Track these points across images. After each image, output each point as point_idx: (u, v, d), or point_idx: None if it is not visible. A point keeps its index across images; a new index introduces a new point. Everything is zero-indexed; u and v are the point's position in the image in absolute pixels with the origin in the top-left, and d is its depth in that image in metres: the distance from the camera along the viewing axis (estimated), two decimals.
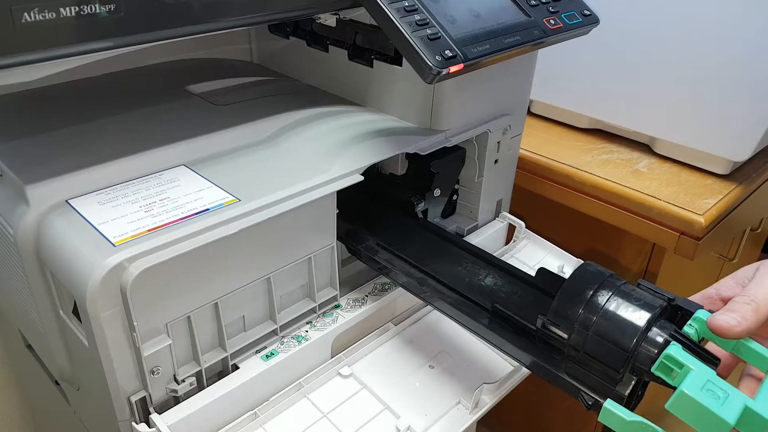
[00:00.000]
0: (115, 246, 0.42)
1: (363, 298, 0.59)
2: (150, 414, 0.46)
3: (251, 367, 0.50)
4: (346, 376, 0.55)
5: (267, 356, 0.52)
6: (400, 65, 0.61)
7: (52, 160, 0.52)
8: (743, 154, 0.75)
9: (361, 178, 0.53)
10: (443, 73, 0.48)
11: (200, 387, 0.48)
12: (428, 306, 0.62)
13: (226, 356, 0.50)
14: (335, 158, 0.54)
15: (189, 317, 0.46)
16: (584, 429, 0.97)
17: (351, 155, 0.55)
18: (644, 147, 0.85)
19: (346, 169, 0.53)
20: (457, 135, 0.62)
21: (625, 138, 0.87)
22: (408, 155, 0.60)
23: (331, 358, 0.56)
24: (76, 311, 0.47)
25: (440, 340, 0.60)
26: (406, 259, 0.55)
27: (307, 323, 0.55)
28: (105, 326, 0.42)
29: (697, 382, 0.34)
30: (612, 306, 0.41)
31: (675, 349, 0.37)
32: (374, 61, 0.64)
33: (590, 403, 0.42)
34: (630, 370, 0.40)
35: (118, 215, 0.46)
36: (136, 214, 0.46)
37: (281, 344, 0.53)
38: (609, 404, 0.38)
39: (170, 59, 0.79)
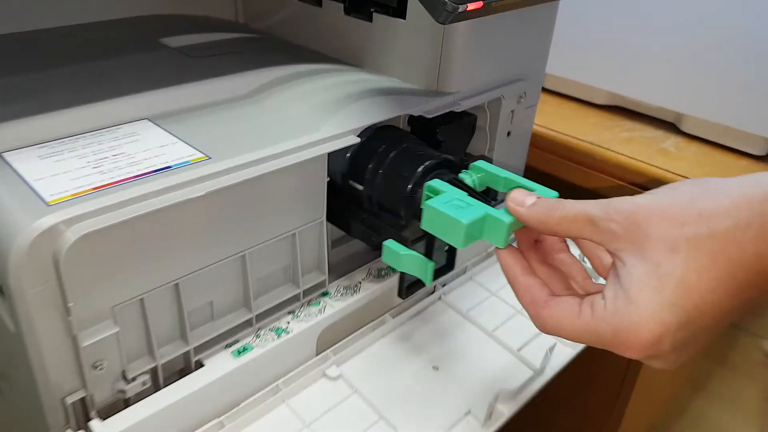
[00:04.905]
0: (49, 206, 0.35)
1: (356, 285, 0.52)
2: (90, 420, 0.38)
3: (219, 365, 0.43)
4: (333, 378, 0.48)
5: (239, 351, 0.45)
6: (404, 18, 0.54)
7: None
8: None
9: (358, 140, 0.46)
10: (459, 10, 0.41)
11: (155, 387, 0.42)
12: (432, 295, 0.56)
13: (189, 350, 0.43)
14: (327, 118, 0.47)
15: (142, 300, 0.39)
16: None
17: (346, 115, 0.48)
18: (668, 125, 0.79)
19: (339, 129, 0.46)
20: (467, 99, 0.55)
21: (645, 115, 0.81)
22: (411, 119, 0.53)
23: (317, 355, 0.49)
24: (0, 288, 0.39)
25: (447, 335, 0.53)
26: None
27: (289, 313, 0.49)
28: (32, 306, 0.34)
29: (444, 199, 0.38)
30: (396, 158, 0.45)
31: (437, 182, 0.40)
32: (374, 14, 0.57)
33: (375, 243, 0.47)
34: (413, 215, 0.44)
35: (60, 171, 0.38)
36: (82, 170, 0.39)
37: (257, 337, 0.46)
38: (388, 243, 0.43)
39: (146, 14, 0.71)
